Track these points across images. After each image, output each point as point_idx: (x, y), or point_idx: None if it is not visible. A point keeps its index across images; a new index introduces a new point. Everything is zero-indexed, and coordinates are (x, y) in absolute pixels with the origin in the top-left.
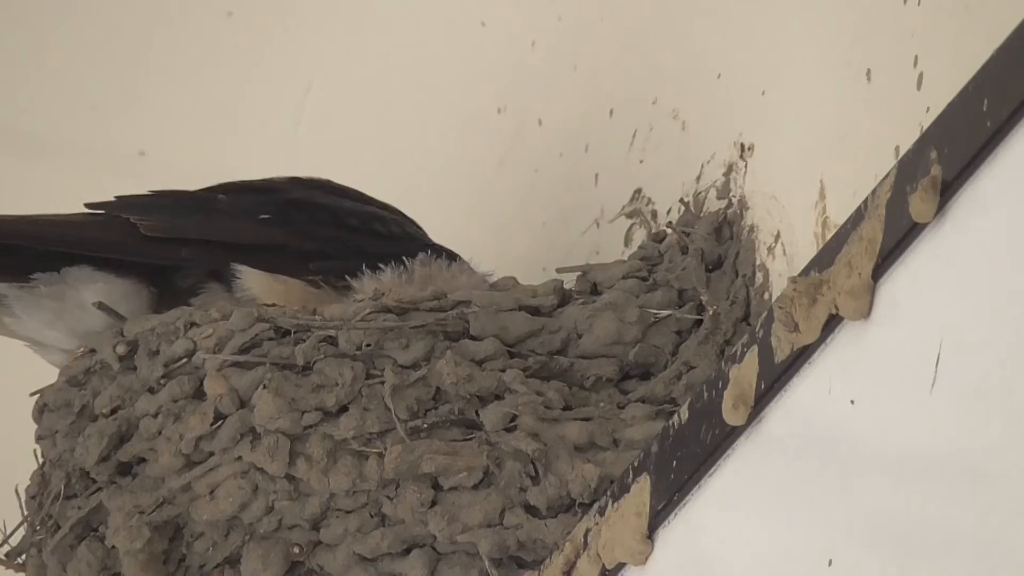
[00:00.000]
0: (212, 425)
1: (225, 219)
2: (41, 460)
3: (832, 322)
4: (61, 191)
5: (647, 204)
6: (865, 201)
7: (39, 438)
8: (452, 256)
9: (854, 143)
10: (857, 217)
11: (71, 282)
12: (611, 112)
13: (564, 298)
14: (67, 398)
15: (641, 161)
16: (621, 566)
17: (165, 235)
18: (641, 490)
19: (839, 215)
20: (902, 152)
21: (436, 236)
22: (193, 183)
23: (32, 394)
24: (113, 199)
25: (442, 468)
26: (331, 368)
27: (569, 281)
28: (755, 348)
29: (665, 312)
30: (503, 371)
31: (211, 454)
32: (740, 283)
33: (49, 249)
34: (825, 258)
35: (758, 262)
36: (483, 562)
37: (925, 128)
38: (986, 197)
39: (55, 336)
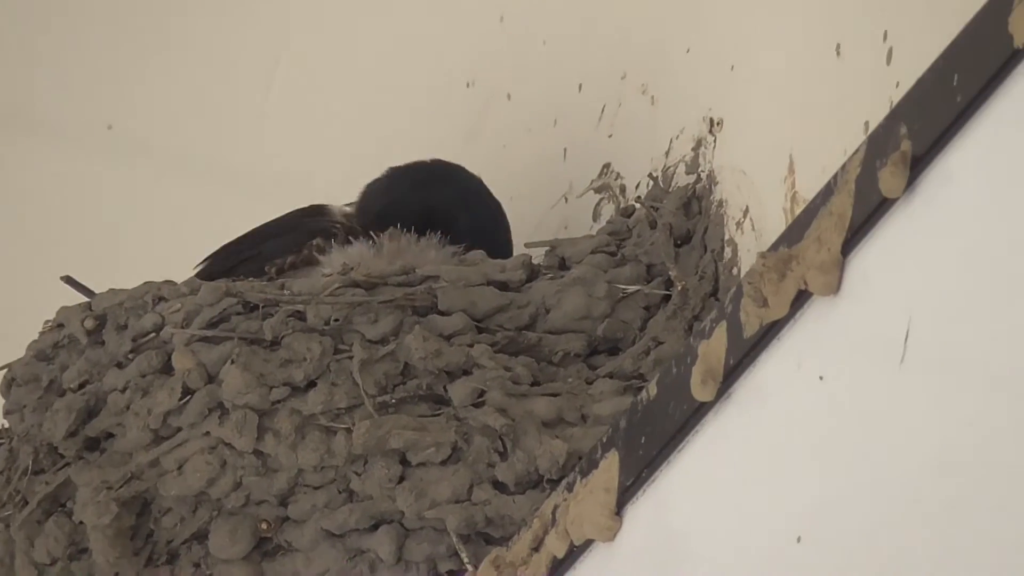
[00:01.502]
0: (180, 400)
1: None
2: (8, 435)
3: (801, 297)
4: (28, 165)
5: (616, 179)
6: (835, 176)
7: (6, 412)
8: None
9: (823, 118)
10: (826, 192)
11: None
12: (580, 87)
13: (532, 273)
14: (35, 372)
15: (610, 136)
16: (590, 542)
17: None
18: (610, 466)
19: (808, 190)
20: (871, 127)
21: None
22: (161, 156)
23: (0, 368)
24: None
25: (410, 444)
26: (299, 343)
27: (537, 256)
28: (724, 323)
29: (633, 287)
30: (471, 346)
31: (179, 429)
32: (709, 258)
33: None
34: (794, 233)
35: (727, 237)
36: (451, 538)
37: (895, 103)
38: (956, 172)
39: None
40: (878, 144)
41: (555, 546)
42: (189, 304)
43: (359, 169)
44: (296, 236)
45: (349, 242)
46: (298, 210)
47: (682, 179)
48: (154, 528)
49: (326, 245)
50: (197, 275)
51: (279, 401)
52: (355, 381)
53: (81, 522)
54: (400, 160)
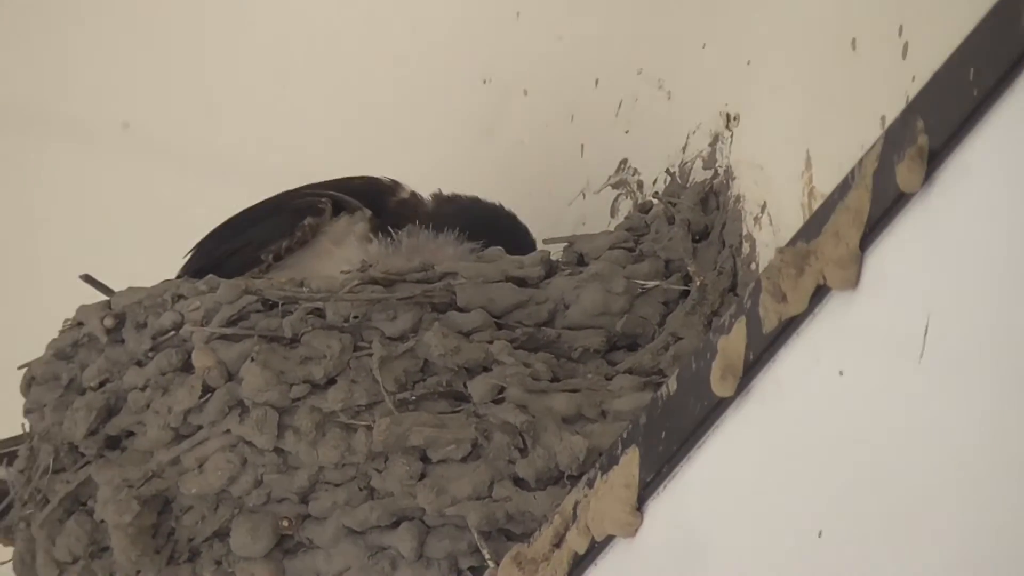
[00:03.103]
0: (200, 398)
1: None
2: (29, 433)
3: (820, 292)
4: (44, 163)
5: (633, 174)
6: (852, 171)
7: (27, 411)
8: None
9: (840, 113)
10: (844, 187)
11: None
12: (596, 82)
13: (551, 269)
14: (55, 371)
15: (627, 131)
16: (611, 538)
17: None
18: (630, 462)
19: (825, 185)
20: (888, 122)
21: None
22: (177, 155)
23: (20, 367)
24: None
25: (430, 440)
26: (319, 340)
27: (555, 252)
28: (743, 319)
29: (652, 283)
30: (490, 343)
31: (199, 427)
32: (727, 253)
33: None
34: (812, 228)
35: (745, 232)
36: (472, 534)
37: (911, 97)
38: (972, 166)
39: None
40: (895, 139)
41: (576, 542)
42: (208, 302)
43: (376, 167)
44: (282, 218)
45: (339, 216)
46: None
47: (699, 174)
48: (175, 526)
49: (318, 222)
50: (183, 269)
51: (299, 399)
52: (375, 378)
53: (102, 520)
54: (417, 157)
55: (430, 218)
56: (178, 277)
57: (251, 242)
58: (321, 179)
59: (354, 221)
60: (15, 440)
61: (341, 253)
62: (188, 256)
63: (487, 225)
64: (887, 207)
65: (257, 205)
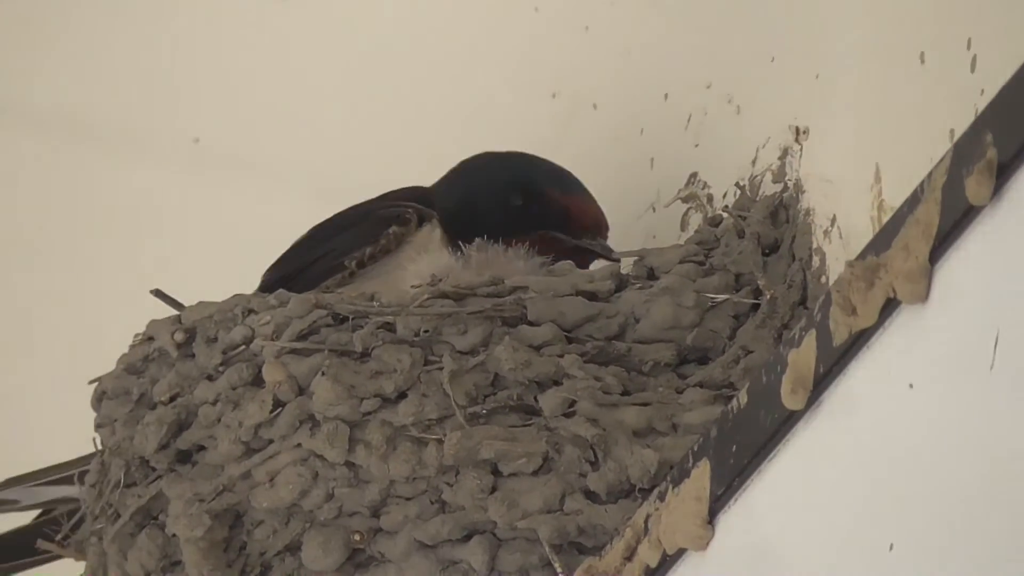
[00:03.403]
0: (271, 412)
1: None
2: (100, 448)
3: (889, 305)
4: (116, 179)
5: (703, 188)
6: (921, 184)
7: (98, 426)
8: None
9: (908, 126)
10: (913, 200)
11: None
12: (666, 96)
13: (621, 283)
14: (126, 386)
15: (696, 145)
16: (682, 551)
17: None
18: (701, 475)
19: (895, 198)
20: (957, 135)
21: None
22: (248, 170)
23: (91, 382)
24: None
25: (501, 454)
26: (389, 354)
27: (626, 266)
28: (813, 332)
29: (722, 296)
30: (561, 356)
31: (270, 441)
32: (797, 267)
33: None
34: (882, 241)
35: (814, 245)
36: (543, 548)
37: (980, 111)
38: None
39: None
40: (964, 152)
41: (648, 555)
42: (279, 316)
43: None
44: (368, 227)
45: (422, 226)
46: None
47: (769, 188)
48: (246, 540)
49: (404, 232)
50: (265, 280)
51: (370, 413)
52: (446, 392)
53: (174, 535)
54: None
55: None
56: (260, 289)
57: (334, 250)
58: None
59: (432, 229)
60: (86, 459)
61: (424, 261)
62: (270, 268)
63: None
64: (956, 220)
65: (337, 216)
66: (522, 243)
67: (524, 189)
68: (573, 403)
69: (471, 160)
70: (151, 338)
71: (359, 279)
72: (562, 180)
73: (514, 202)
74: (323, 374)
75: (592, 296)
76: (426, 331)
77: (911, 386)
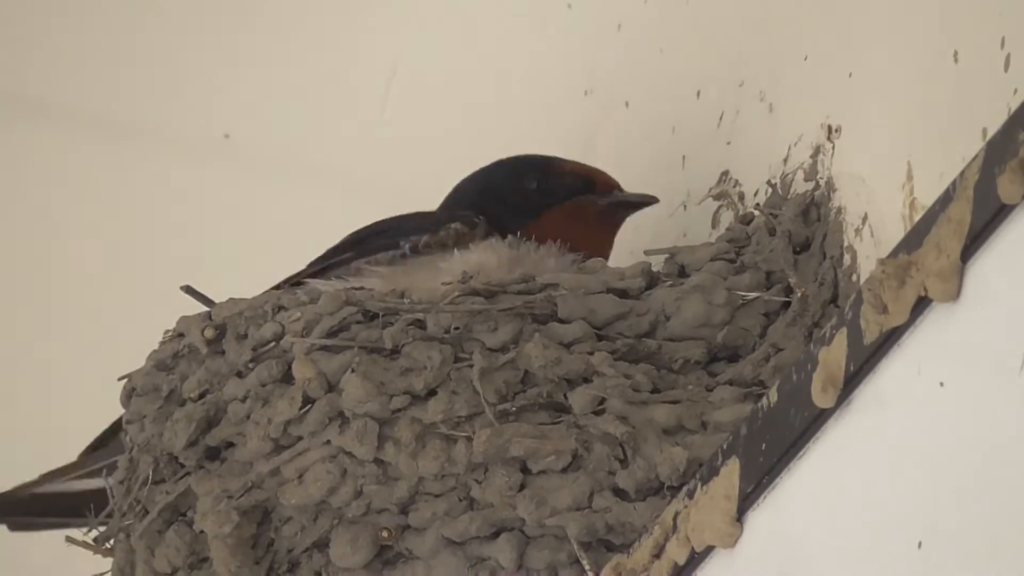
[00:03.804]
0: (300, 409)
1: None
2: (129, 445)
3: (921, 304)
4: (147, 174)
5: (734, 186)
6: (953, 183)
7: (127, 422)
8: None
9: (941, 125)
10: (945, 199)
11: None
12: (698, 94)
13: (652, 280)
14: (155, 382)
15: (728, 143)
16: (710, 549)
17: None
18: (730, 473)
19: (927, 197)
20: (989, 134)
21: None
22: (277, 166)
23: (120, 378)
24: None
25: (530, 451)
26: (419, 351)
27: (657, 263)
28: (844, 330)
29: (753, 294)
30: (591, 354)
31: (299, 438)
32: (828, 265)
33: None
34: (913, 240)
35: (846, 244)
36: (572, 545)
37: (1013, 110)
38: None
39: None
40: (996, 150)
41: (676, 553)
42: (309, 313)
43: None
44: (432, 220)
45: (486, 238)
46: None
47: (800, 186)
48: (275, 537)
49: (468, 233)
50: (326, 254)
51: (399, 410)
52: (475, 389)
53: (202, 531)
54: None
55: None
56: (312, 263)
57: (394, 229)
58: (421, 189)
59: (496, 243)
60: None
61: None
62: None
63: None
64: (988, 219)
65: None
66: (556, 220)
67: (535, 168)
68: (603, 401)
69: (466, 179)
70: (181, 334)
71: (409, 265)
72: (557, 157)
73: (530, 185)
74: (353, 371)
75: (623, 293)
76: (456, 328)
77: (942, 384)
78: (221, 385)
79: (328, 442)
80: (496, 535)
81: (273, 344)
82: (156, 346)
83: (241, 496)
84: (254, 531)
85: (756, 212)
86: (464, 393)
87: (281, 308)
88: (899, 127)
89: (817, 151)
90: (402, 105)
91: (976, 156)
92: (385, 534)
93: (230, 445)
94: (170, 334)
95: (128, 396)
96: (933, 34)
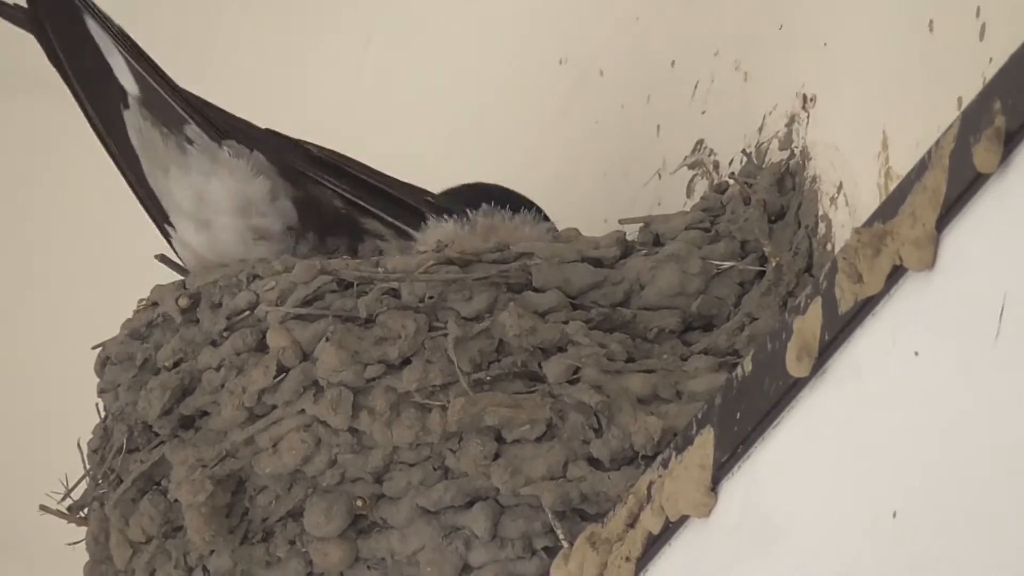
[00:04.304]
0: (275, 378)
1: None
2: (103, 414)
3: (896, 273)
4: None
5: (709, 155)
6: (928, 152)
7: (101, 391)
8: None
9: (916, 94)
10: (920, 168)
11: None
12: (673, 63)
13: (626, 249)
14: (129, 351)
15: (703, 112)
16: (685, 518)
17: None
18: (705, 442)
19: (902, 166)
20: (965, 103)
21: None
22: None
23: (94, 347)
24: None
25: (505, 421)
26: (394, 320)
27: (631, 232)
28: (819, 299)
29: (728, 263)
30: (566, 323)
31: (274, 407)
32: (803, 234)
33: None
34: (889, 209)
35: (821, 213)
36: (546, 515)
37: (988, 79)
38: None
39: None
40: (972, 120)
41: (650, 522)
42: (283, 282)
43: (452, 147)
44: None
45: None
46: None
47: (775, 155)
48: (249, 506)
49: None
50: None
51: (374, 379)
52: (450, 358)
53: (176, 500)
54: (493, 137)
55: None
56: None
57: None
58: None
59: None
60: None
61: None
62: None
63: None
64: (964, 188)
65: None
66: None
67: None
68: (577, 370)
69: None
70: (155, 303)
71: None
72: None
73: None
74: (327, 340)
75: (597, 262)
76: (431, 297)
77: (917, 354)
78: (195, 354)
79: (302, 411)
80: (470, 504)
81: (247, 313)
82: (130, 315)
83: (215, 465)
84: (228, 500)
85: (731, 181)
86: (439, 362)
87: (256, 277)
88: (874, 96)
89: (792, 120)
90: (378, 73)
91: (951, 125)
92: (360, 503)
93: (204, 414)
94: (144, 303)
95: (102, 365)
96: (908, 3)
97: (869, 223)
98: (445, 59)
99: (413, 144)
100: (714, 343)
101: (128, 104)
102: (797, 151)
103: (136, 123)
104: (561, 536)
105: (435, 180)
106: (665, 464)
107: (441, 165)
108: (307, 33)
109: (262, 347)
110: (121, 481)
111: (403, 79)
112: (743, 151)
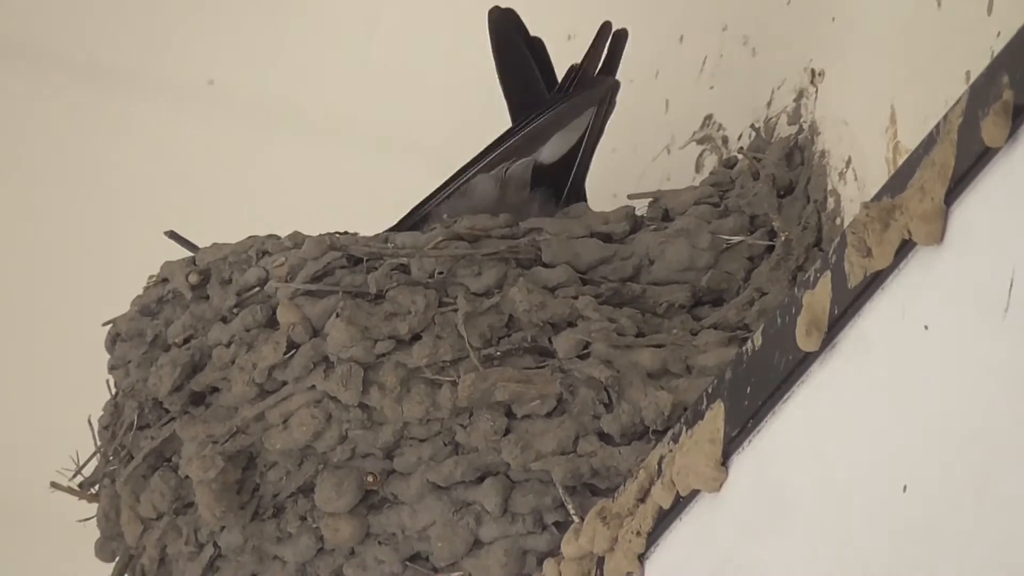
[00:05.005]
0: (285, 354)
1: None
2: (114, 390)
3: (905, 247)
4: (130, 121)
5: (718, 130)
6: (937, 126)
7: (112, 368)
8: None
9: (924, 68)
10: (929, 142)
11: None
12: (681, 38)
13: (636, 224)
14: (140, 328)
15: (712, 87)
16: (695, 493)
17: None
18: (715, 417)
19: (910, 140)
20: (973, 77)
21: None
22: (261, 112)
23: (105, 324)
24: None
25: (515, 396)
26: (404, 296)
27: (641, 207)
28: (828, 274)
29: (737, 238)
30: (575, 298)
31: (284, 383)
32: (811, 208)
33: None
34: (897, 183)
35: (829, 187)
36: (557, 490)
37: (996, 53)
38: None
39: None
40: (980, 94)
41: (661, 497)
42: (293, 258)
43: (461, 121)
44: None
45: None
46: None
47: (784, 130)
48: (260, 482)
49: None
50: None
51: (384, 354)
52: (460, 334)
53: (187, 476)
54: (502, 112)
55: None
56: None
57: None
58: (408, 132)
59: None
60: None
61: None
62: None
63: None
64: (972, 162)
65: None
66: None
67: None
68: (587, 345)
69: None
70: (165, 280)
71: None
72: None
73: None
74: (337, 316)
75: (607, 237)
76: (440, 273)
77: (926, 327)
78: (206, 330)
79: (313, 387)
80: (481, 479)
81: (257, 289)
82: (140, 291)
83: (226, 441)
84: (239, 476)
85: (740, 156)
86: (449, 338)
87: (265, 253)
88: (882, 71)
89: (800, 95)
90: (385, 51)
91: (960, 99)
92: (370, 479)
93: (215, 390)
94: (154, 279)
95: (112, 341)
96: None
97: (878, 197)
98: (452, 37)
99: (421, 120)
100: (724, 318)
101: None
102: (806, 126)
103: None
104: (572, 511)
105: (443, 157)
106: (675, 439)
107: (450, 140)
108: (314, 8)
109: (272, 323)
110: (132, 458)
111: (409, 57)
112: (752, 126)
